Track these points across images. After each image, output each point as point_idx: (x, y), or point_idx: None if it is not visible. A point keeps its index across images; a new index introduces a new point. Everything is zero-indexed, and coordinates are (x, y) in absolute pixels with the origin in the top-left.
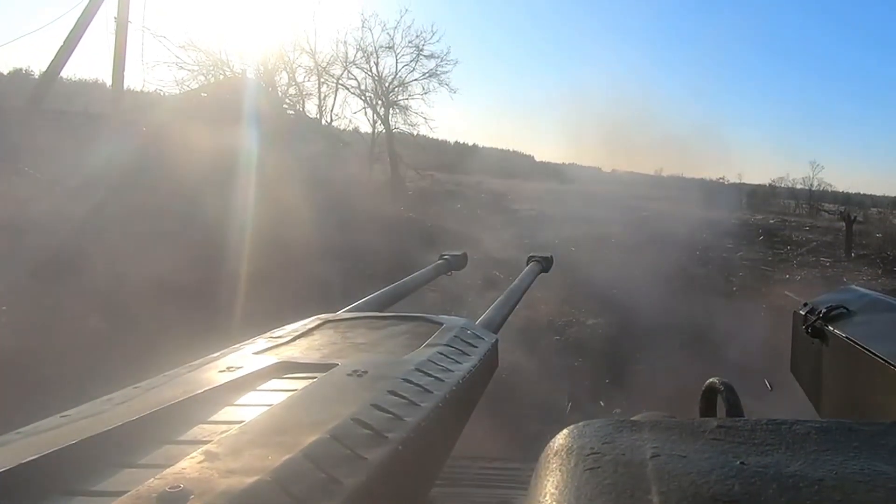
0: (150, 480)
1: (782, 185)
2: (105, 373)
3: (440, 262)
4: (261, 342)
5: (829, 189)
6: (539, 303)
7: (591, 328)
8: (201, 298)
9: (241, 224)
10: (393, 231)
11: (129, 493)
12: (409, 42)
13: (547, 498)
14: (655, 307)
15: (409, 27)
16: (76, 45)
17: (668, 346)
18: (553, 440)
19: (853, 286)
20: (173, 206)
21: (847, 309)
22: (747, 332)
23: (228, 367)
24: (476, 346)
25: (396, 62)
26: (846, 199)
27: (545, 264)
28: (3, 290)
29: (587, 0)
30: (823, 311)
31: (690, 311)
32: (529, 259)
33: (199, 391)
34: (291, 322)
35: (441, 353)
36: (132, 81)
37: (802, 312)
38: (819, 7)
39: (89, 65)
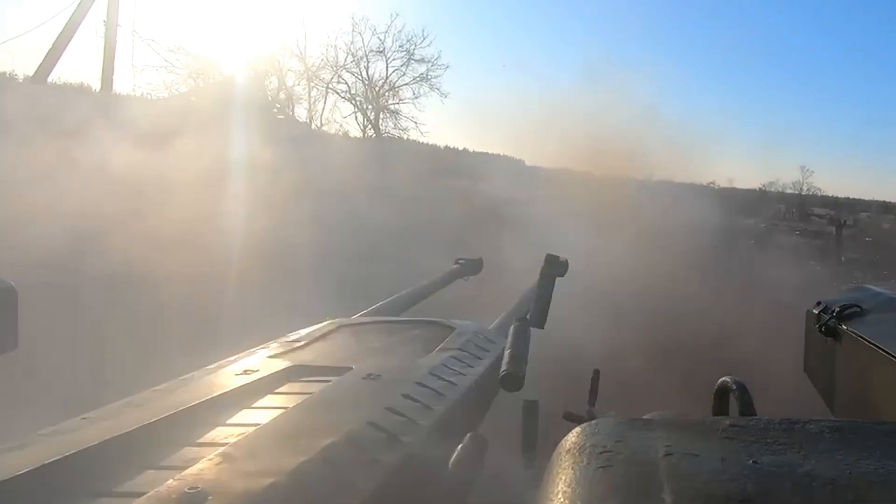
0: (170, 481)
1: (772, 190)
2: (87, 391)
3: (455, 267)
4: (276, 345)
5: (819, 194)
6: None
7: (579, 324)
8: (194, 306)
9: (231, 228)
10: (382, 235)
11: (149, 494)
12: (400, 46)
13: (559, 496)
14: (641, 310)
15: (400, 31)
16: (65, 49)
17: (651, 350)
18: (565, 438)
19: (866, 285)
20: (162, 210)
21: (861, 307)
22: (736, 336)
23: (245, 371)
24: (488, 351)
25: (387, 66)
26: (836, 203)
27: (560, 269)
28: None
29: (577, 6)
30: (837, 309)
31: (678, 312)
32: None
33: (217, 394)
34: (284, 327)
35: (454, 358)
36: (121, 85)
37: (816, 311)
38: (809, 13)
39: (77, 68)
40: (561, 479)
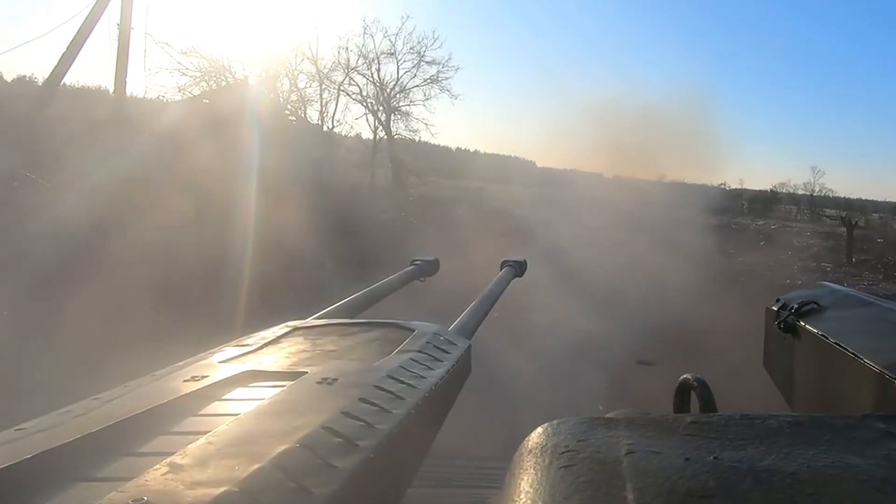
0: (113, 493)
1: (783, 191)
2: (100, 380)
3: (411, 267)
4: (228, 350)
5: (831, 195)
6: (539, 306)
7: (588, 332)
8: (205, 301)
9: (244, 230)
10: (394, 237)
11: None
12: (411, 48)
13: (521, 496)
14: (651, 312)
15: (411, 33)
16: (79, 52)
17: (662, 352)
18: (527, 438)
19: (825, 282)
20: (176, 212)
21: (818, 304)
22: (744, 339)
23: (193, 377)
24: (449, 352)
25: (398, 68)
26: (847, 204)
27: (519, 269)
28: (7, 296)
29: (588, 8)
30: (795, 306)
31: (690, 315)
32: (503, 264)
33: (163, 401)
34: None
35: (413, 360)
36: (134, 88)
37: (775, 308)
38: (821, 13)
39: (92, 71)
40: (523, 479)
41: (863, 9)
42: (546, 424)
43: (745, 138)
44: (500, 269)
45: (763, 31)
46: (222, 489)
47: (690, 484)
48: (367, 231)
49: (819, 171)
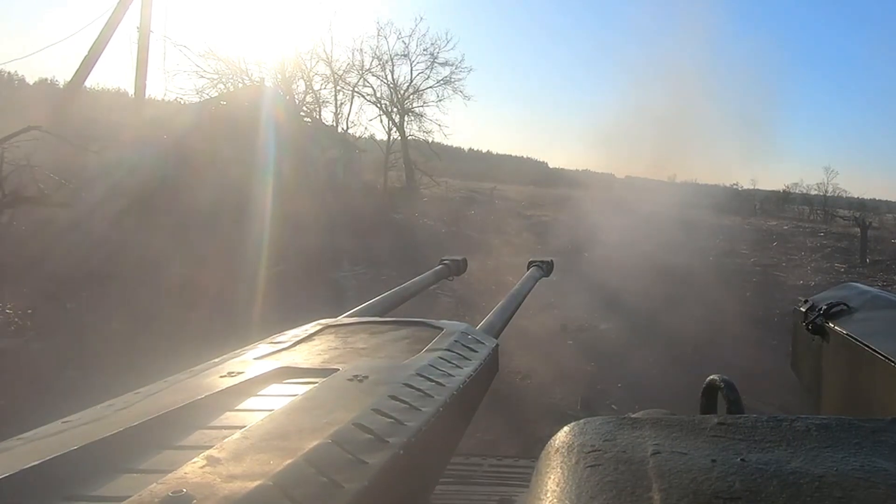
0: (153, 485)
1: (796, 191)
2: (118, 378)
3: (440, 267)
4: (262, 347)
5: (844, 195)
6: (553, 306)
7: (603, 332)
8: (223, 301)
9: (260, 229)
10: (408, 236)
11: (131, 499)
12: (424, 50)
13: (548, 495)
14: (666, 313)
15: (424, 35)
16: (100, 55)
17: (673, 355)
18: (554, 437)
19: (853, 283)
20: (194, 212)
21: (847, 306)
22: (759, 340)
23: (230, 373)
24: (476, 351)
25: (411, 70)
26: (861, 204)
27: (546, 269)
28: (29, 295)
29: (600, 8)
30: (824, 307)
31: (702, 317)
32: (530, 264)
33: (201, 396)
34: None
35: (441, 358)
36: (154, 90)
37: (803, 309)
38: (835, 14)
39: (113, 74)
40: (550, 478)
41: (877, 9)
42: (573, 424)
43: (758, 138)
44: (527, 269)
45: (776, 30)
46: (257, 483)
47: (716, 485)
48: (381, 231)
49: (832, 171)
